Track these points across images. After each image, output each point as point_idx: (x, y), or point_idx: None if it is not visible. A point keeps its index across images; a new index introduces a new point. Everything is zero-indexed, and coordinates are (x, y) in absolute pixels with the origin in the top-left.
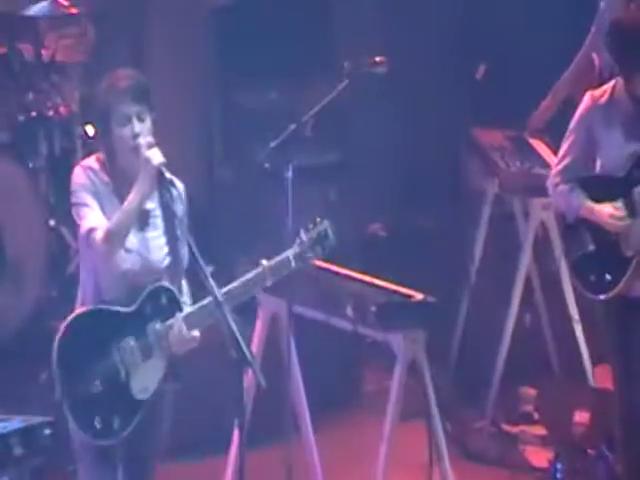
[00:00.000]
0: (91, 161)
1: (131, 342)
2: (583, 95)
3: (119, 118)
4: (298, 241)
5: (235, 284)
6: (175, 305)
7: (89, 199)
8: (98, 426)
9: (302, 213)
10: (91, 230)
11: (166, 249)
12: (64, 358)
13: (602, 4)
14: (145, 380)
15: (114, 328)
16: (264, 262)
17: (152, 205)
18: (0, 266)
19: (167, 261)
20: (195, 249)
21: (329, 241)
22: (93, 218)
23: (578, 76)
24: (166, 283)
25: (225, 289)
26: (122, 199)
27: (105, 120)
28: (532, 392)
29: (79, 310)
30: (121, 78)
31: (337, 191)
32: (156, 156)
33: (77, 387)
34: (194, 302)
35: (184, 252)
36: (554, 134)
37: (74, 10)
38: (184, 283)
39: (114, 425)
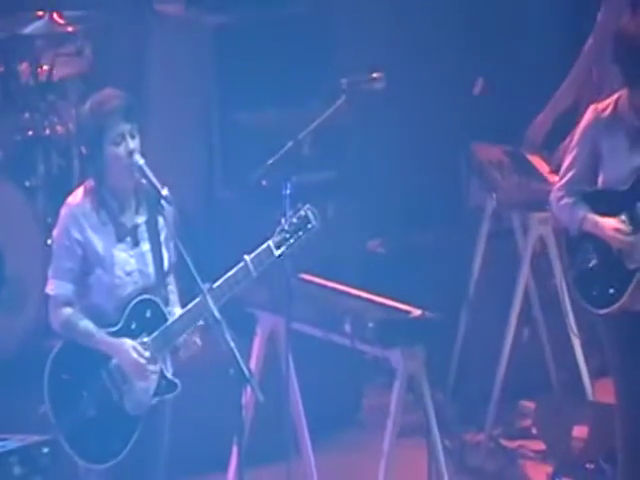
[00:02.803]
0: (78, 197)
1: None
2: (582, 108)
3: (112, 136)
4: (279, 228)
5: (221, 282)
6: (160, 316)
7: (63, 255)
8: (96, 451)
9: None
10: (50, 298)
11: (151, 258)
12: (54, 390)
13: (600, 16)
14: (138, 396)
15: (100, 351)
16: (246, 257)
17: (142, 219)
18: None
19: (153, 271)
20: (193, 267)
21: (311, 224)
22: (57, 286)
23: (575, 89)
24: (148, 295)
25: (211, 287)
26: (114, 219)
27: (97, 140)
28: (531, 407)
29: (63, 341)
30: (109, 97)
31: (336, 208)
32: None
33: (70, 417)
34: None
35: (169, 256)
36: (552, 148)
37: (71, 28)
38: (172, 288)
39: (112, 446)
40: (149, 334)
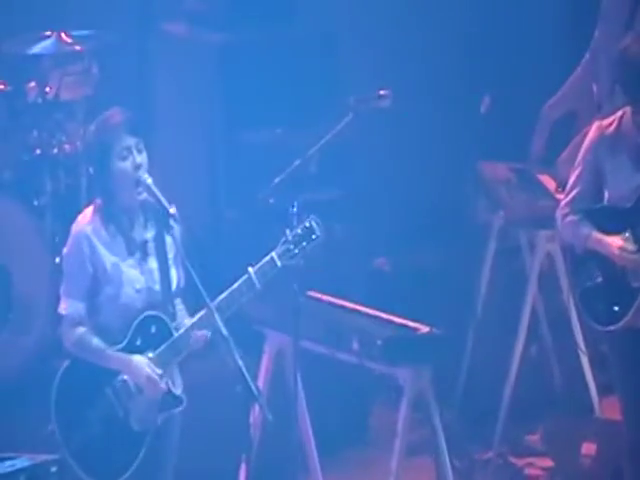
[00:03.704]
0: (87, 215)
1: (125, 378)
2: (581, 122)
3: (119, 151)
4: (283, 239)
5: (225, 295)
6: (166, 332)
7: (75, 273)
8: (104, 469)
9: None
10: (63, 317)
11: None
12: (61, 409)
13: (596, 32)
14: (143, 412)
15: (105, 369)
16: (250, 269)
17: (151, 234)
18: (6, 304)
19: (160, 287)
20: (199, 283)
21: (315, 234)
22: (69, 305)
23: (568, 101)
24: (154, 312)
25: (217, 301)
26: (124, 234)
27: (103, 157)
28: (539, 424)
29: (69, 361)
30: (113, 114)
31: (342, 226)
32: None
33: (77, 435)
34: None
35: (178, 276)
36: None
37: (78, 48)
38: (179, 305)
39: (119, 464)
40: (154, 350)
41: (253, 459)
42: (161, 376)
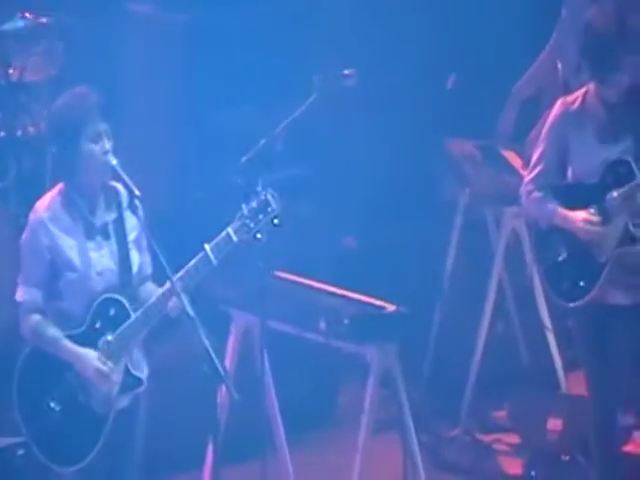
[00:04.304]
0: (46, 201)
1: None
2: (546, 100)
3: (90, 134)
4: (239, 214)
5: (181, 272)
6: (124, 313)
7: (31, 261)
8: (67, 453)
9: (274, 227)
10: (20, 305)
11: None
12: (23, 395)
13: (563, 11)
14: (104, 395)
15: None
16: (206, 245)
17: (112, 216)
18: None
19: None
20: (165, 263)
21: (271, 207)
22: (25, 292)
23: (536, 80)
24: (112, 294)
25: (174, 278)
26: (84, 218)
27: (74, 136)
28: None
29: (30, 347)
30: (88, 94)
31: (309, 205)
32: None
33: (39, 421)
34: None
35: (142, 260)
36: (523, 140)
37: (42, 28)
38: (150, 287)
39: (82, 447)
40: (113, 332)
41: (220, 439)
42: (112, 369)
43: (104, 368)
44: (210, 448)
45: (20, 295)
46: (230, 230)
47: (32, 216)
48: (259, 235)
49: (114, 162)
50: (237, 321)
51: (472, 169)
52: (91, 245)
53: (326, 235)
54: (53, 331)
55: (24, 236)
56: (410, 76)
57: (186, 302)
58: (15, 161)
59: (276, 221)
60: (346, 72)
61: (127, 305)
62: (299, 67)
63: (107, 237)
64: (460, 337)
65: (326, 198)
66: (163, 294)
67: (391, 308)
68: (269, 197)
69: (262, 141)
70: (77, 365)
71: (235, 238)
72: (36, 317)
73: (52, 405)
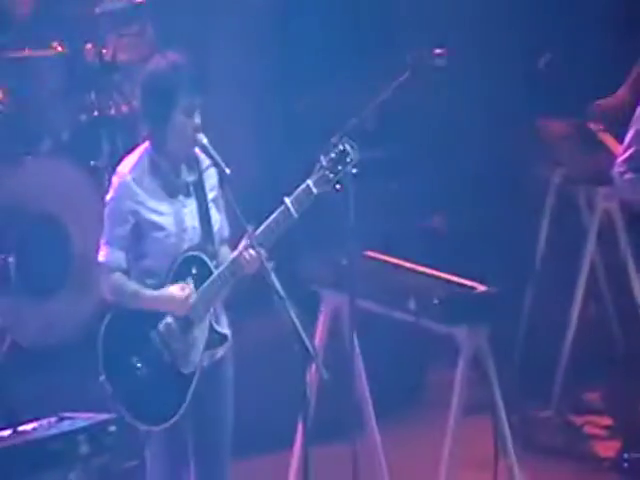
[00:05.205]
0: (130, 163)
1: (169, 320)
2: None
3: (185, 105)
4: (318, 166)
5: (263, 226)
6: (206, 270)
7: (115, 223)
8: (154, 412)
9: (364, 207)
10: (101, 265)
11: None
12: (109, 360)
13: None
14: (189, 354)
15: (150, 314)
16: (286, 199)
17: (192, 178)
18: (66, 264)
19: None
20: (245, 221)
21: (350, 157)
22: (108, 253)
23: None
24: (193, 252)
25: (257, 232)
26: (168, 179)
27: (169, 104)
28: (598, 383)
29: (111, 312)
30: (184, 64)
31: (399, 184)
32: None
33: (126, 383)
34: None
35: (221, 221)
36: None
37: (134, 9)
38: (224, 250)
39: (169, 407)
40: (196, 289)
41: (310, 418)
42: (192, 290)
43: (185, 293)
44: (300, 428)
45: (102, 255)
46: (310, 182)
47: (116, 179)
48: (338, 186)
49: (204, 141)
50: (327, 301)
51: (565, 149)
52: (175, 204)
53: (416, 215)
54: (134, 285)
55: (108, 198)
56: (503, 55)
57: (277, 282)
58: (108, 140)
59: (354, 171)
60: (438, 51)
61: (209, 262)
62: (391, 46)
63: (189, 195)
64: (552, 318)
65: (416, 177)
66: (245, 247)
67: (482, 289)
68: (347, 147)
69: (352, 120)
70: (161, 307)
71: (315, 190)
72: (117, 275)
73: (138, 366)
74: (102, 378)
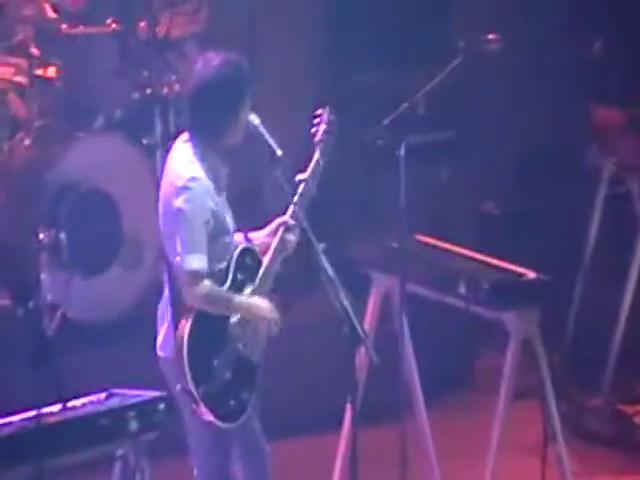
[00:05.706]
0: (196, 166)
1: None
2: None
3: (250, 102)
4: (316, 141)
5: (290, 210)
6: (256, 260)
7: (200, 229)
8: (233, 408)
9: (415, 191)
10: (191, 273)
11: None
12: (193, 364)
13: None
14: (257, 342)
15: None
16: (299, 176)
17: (227, 169)
18: (117, 241)
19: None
20: (308, 227)
21: (335, 125)
22: (199, 259)
23: None
24: (246, 244)
25: (289, 212)
26: (215, 172)
27: (236, 103)
28: None
29: (192, 317)
30: (244, 64)
31: (450, 169)
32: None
33: (211, 385)
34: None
35: None
36: None
37: None
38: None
39: (244, 399)
40: (252, 280)
41: (358, 400)
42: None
43: (275, 314)
44: (348, 409)
45: (191, 262)
46: (318, 158)
47: (195, 185)
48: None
49: (256, 122)
50: (377, 283)
51: (618, 138)
52: (223, 200)
53: (467, 200)
54: (223, 292)
55: (188, 205)
56: (555, 41)
57: (327, 264)
58: (160, 119)
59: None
60: (491, 36)
61: (256, 251)
62: (444, 31)
63: (225, 189)
64: (603, 306)
65: (468, 163)
66: (285, 229)
67: (532, 275)
68: (330, 117)
69: (405, 104)
70: (253, 312)
71: (321, 163)
72: (207, 282)
73: (220, 365)
74: (183, 384)
